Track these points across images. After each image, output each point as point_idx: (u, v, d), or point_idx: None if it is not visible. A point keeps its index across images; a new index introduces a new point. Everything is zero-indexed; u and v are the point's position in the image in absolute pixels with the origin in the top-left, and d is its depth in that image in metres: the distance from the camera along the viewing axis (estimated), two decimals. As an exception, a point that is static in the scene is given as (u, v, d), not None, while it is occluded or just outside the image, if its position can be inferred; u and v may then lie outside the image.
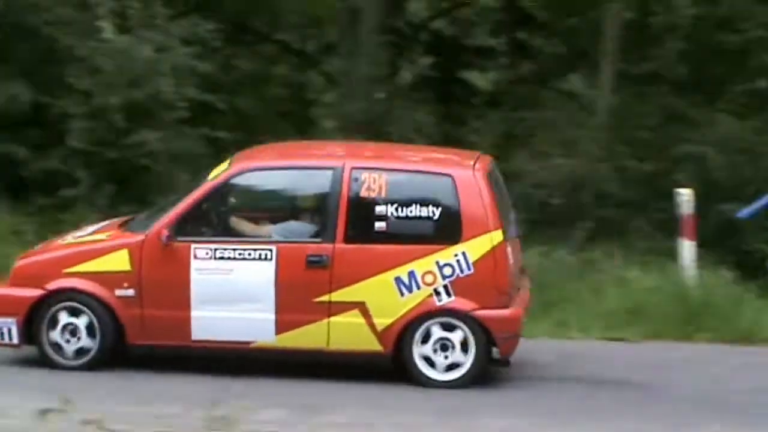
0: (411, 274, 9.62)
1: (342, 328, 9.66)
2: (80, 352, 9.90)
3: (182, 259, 9.71)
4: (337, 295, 9.64)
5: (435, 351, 9.67)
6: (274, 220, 10.05)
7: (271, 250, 9.66)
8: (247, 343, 9.72)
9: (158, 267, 9.75)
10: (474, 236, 9.62)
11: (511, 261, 9.77)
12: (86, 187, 14.89)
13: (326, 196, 9.78)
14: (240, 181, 10.06)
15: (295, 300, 9.62)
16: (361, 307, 9.65)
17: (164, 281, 9.73)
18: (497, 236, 9.63)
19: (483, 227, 9.65)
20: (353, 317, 9.64)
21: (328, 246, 9.64)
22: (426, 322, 9.64)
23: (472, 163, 10.02)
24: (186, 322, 9.72)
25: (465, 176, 9.78)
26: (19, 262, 10.21)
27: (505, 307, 9.68)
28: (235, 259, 9.68)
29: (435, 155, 11.06)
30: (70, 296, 9.84)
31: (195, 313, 9.72)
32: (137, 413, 8.48)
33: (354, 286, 9.62)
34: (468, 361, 9.66)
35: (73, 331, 9.90)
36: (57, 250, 10.20)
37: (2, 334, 9.97)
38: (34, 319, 9.86)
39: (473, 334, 9.64)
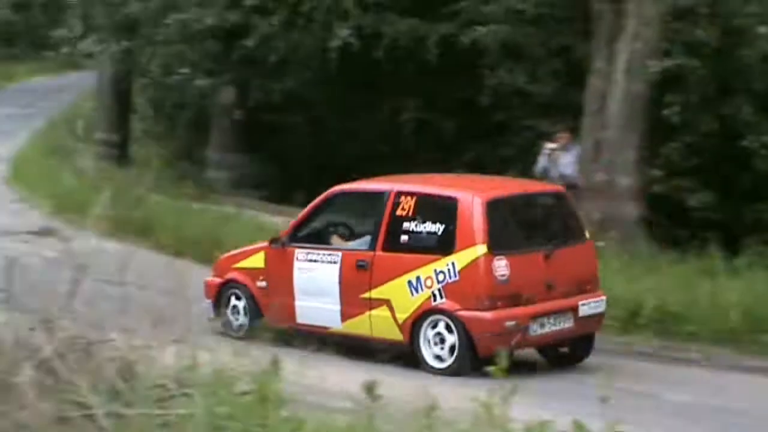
0: (418, 278, 11.64)
1: (378, 320, 11.84)
2: (240, 328, 12.78)
3: (290, 260, 12.54)
4: (374, 293, 11.89)
5: (435, 340, 11.51)
6: (356, 234, 12.60)
7: (338, 255, 12.23)
8: (326, 328, 12.01)
9: (278, 265, 12.63)
10: (463, 249, 11.41)
11: (503, 272, 11.31)
12: None
13: (378, 213, 12.10)
14: (330, 201, 12.77)
15: (351, 295, 12.02)
16: (388, 303, 11.82)
17: (281, 276, 12.57)
18: (481, 250, 11.31)
19: (471, 242, 11.39)
20: (383, 311, 11.82)
21: (371, 253, 12.00)
22: (427, 318, 11.57)
23: (482, 189, 11.88)
24: (293, 308, 12.39)
25: (466, 199, 11.62)
26: (219, 259, 13.47)
27: (487, 310, 11.28)
28: (317, 261, 12.37)
29: (470, 182, 12.99)
30: (234, 285, 13.02)
31: (297, 302, 12.42)
32: None
33: (384, 286, 11.83)
34: (453, 355, 11.41)
35: (237, 311, 12.94)
36: (237, 250, 13.36)
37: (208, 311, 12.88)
38: (220, 300, 13.03)
39: (456, 331, 11.39)
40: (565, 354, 12.08)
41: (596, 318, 11.94)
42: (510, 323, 11.20)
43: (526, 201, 12.32)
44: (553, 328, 11.55)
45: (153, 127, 27.06)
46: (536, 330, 11.45)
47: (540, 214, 12.38)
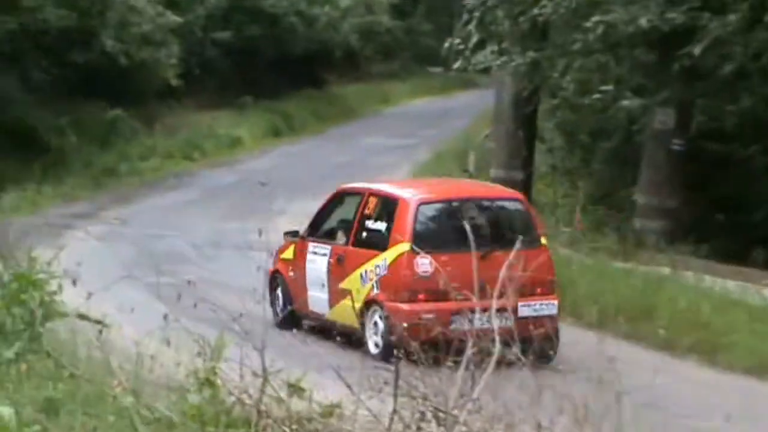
0: (366, 271, 15.43)
1: (346, 308, 15.30)
2: (278, 314, 16.40)
3: (305, 253, 16.60)
4: (344, 284, 15.64)
5: (374, 328, 15.22)
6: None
7: (329, 249, 16.21)
8: (322, 315, 15.88)
9: (299, 257, 16.75)
10: (393, 246, 15.18)
11: (425, 269, 14.77)
12: None
13: (356, 211, 16.03)
14: (335, 200, 16.88)
15: (334, 286, 15.94)
16: (350, 293, 15.29)
17: (300, 267, 16.64)
18: (404, 247, 15.02)
19: (400, 239, 15.08)
20: (348, 301, 15.18)
21: (345, 248, 15.89)
22: (370, 308, 15.33)
23: (423, 192, 15.93)
24: (306, 297, 16.28)
25: (404, 200, 15.51)
26: (277, 250, 17.09)
27: (406, 302, 14.96)
28: (317, 254, 16.33)
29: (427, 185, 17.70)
30: (277, 274, 17.17)
31: (309, 292, 16.34)
32: None
33: (349, 277, 15.55)
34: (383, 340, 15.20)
35: (278, 298, 17.07)
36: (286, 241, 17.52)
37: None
38: (270, 288, 16.96)
39: (384, 319, 15.03)
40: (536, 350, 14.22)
41: (544, 320, 14.32)
42: (427, 316, 14.14)
43: (453, 204, 15.58)
44: (485, 325, 13.49)
45: (563, 161, 26.51)
46: (462, 325, 13.65)
47: (486, 217, 15.25)
